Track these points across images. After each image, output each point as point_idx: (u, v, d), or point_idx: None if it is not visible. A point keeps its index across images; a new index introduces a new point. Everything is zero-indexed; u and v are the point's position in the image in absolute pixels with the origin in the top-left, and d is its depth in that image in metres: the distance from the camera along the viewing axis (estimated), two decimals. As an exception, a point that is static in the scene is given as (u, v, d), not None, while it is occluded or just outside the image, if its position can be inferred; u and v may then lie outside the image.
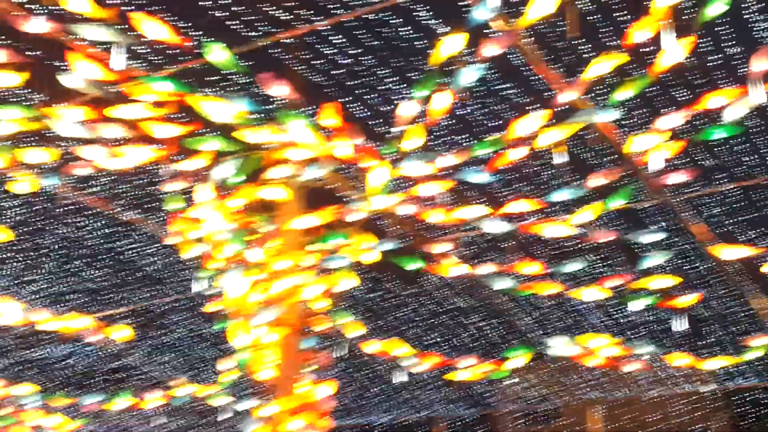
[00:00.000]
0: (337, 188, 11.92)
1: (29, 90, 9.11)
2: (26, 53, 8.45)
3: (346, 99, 10.73)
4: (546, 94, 9.99)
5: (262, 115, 9.27)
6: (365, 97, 10.85)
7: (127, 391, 19.28)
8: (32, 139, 9.90)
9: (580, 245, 13.57)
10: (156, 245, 14.69)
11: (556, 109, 8.67)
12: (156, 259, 15.19)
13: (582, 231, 10.56)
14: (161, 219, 13.52)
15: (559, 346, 12.81)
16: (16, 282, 16.03)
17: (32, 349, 20.85)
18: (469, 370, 15.65)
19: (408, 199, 10.22)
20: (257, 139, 9.24)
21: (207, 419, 27.21)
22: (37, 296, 16.38)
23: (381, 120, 10.94)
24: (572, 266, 11.65)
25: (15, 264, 15.27)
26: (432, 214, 10.53)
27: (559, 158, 9.13)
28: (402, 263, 11.86)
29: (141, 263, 15.45)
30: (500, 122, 10.81)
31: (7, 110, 8.82)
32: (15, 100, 9.43)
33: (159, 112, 8.78)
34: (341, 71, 10.48)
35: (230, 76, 10.02)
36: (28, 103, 8.98)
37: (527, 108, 9.73)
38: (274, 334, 12.72)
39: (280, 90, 8.64)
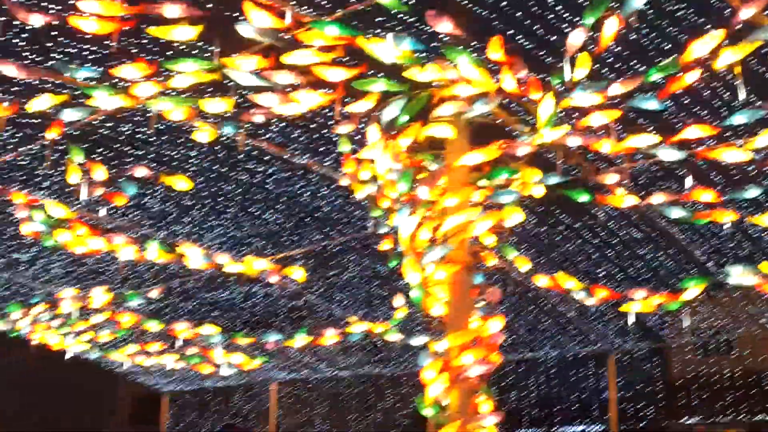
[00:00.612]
0: (504, 123, 11.85)
1: (204, 43, 9.43)
2: (199, 7, 8.73)
3: (513, 31, 10.60)
4: (724, 13, 9.53)
5: (429, 53, 9.30)
6: (532, 27, 10.69)
7: (305, 329, 20.05)
8: (209, 89, 10.29)
9: (759, 170, 13.00)
10: (330, 187, 15.08)
11: (734, 28, 8.29)
12: (330, 200, 15.59)
13: (762, 155, 10.16)
14: (334, 161, 13.85)
15: (739, 274, 12.38)
16: (199, 228, 16.85)
17: (216, 292, 21.92)
18: (642, 301, 15.39)
19: (577, 131, 10.06)
20: (425, 77, 9.28)
21: (381, 355, 27.97)
22: (219, 241, 17.17)
23: (549, 50, 10.76)
24: (752, 192, 11.24)
25: (198, 211, 16.04)
26: (602, 145, 10.33)
27: (738, 81, 8.75)
28: (572, 196, 11.73)
29: (315, 205, 15.92)
30: (673, 45, 10.44)
31: (184, 63, 9.21)
32: (191, 53, 9.79)
33: (328, 57, 8.95)
34: (507, 3, 10.35)
35: (397, 16, 10.09)
36: (204, 56, 9.32)
37: (703, 28, 9.31)
38: (445, 271, 12.90)
39: (446, 26, 8.64)
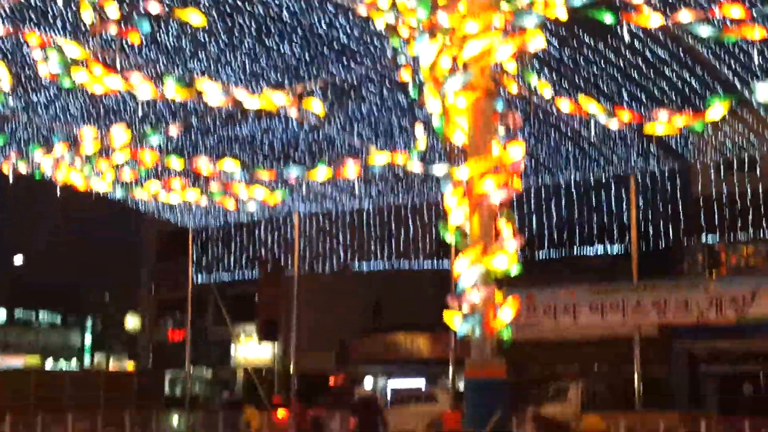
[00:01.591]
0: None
1: None
2: None
3: None
4: None
5: None
6: None
7: (325, 161, 20.06)
8: None
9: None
10: (347, 17, 14.71)
11: None
12: (347, 31, 15.24)
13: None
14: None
15: (766, 91, 12.13)
16: (216, 64, 16.62)
17: (235, 127, 21.89)
18: (667, 123, 15.20)
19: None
20: None
21: (404, 183, 28.16)
22: (236, 76, 16.95)
23: None
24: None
25: (213, 46, 15.77)
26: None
27: None
28: (596, 16, 11.40)
29: (333, 36, 15.57)
30: None
31: None
32: None
33: None
34: None
35: None
36: None
37: None
38: (466, 99, 12.75)
39: None
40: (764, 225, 30.68)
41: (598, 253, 35.06)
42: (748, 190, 30.44)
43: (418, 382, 39.19)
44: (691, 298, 25.23)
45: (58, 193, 20.94)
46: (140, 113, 18.85)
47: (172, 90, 14.26)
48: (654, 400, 31.13)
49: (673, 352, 32.82)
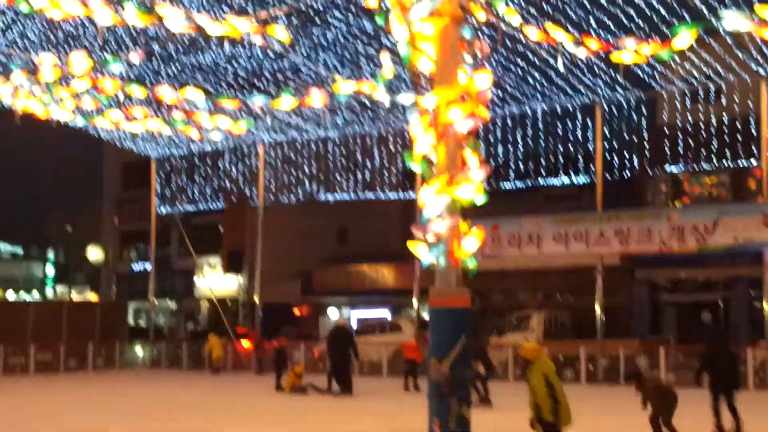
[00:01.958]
0: None
1: None
2: None
3: None
4: None
5: None
6: None
7: (291, 90, 19.83)
8: None
9: None
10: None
11: None
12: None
13: None
14: None
15: (734, 19, 12.05)
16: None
17: (198, 54, 21.51)
18: (634, 52, 15.14)
19: None
20: None
21: (370, 112, 27.96)
22: (198, 1, 16.56)
23: None
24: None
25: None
26: None
27: None
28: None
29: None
30: None
31: None
32: None
33: None
34: None
35: None
36: None
37: None
38: (433, 25, 12.56)
39: None
40: (727, 155, 30.94)
41: (563, 184, 35.24)
42: (713, 120, 30.60)
43: (383, 313, 39.50)
44: (654, 227, 25.51)
45: (18, 122, 20.52)
46: (100, 40, 18.42)
47: (133, 15, 13.90)
48: (615, 328, 31.65)
49: (634, 281, 33.28)
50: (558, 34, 14.55)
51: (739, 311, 31.63)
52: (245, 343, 32.58)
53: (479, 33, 15.23)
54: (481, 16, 13.74)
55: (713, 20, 14.30)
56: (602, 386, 24.60)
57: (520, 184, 35.44)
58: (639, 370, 13.53)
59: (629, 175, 33.34)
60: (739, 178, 31.65)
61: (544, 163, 34.43)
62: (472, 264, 14.79)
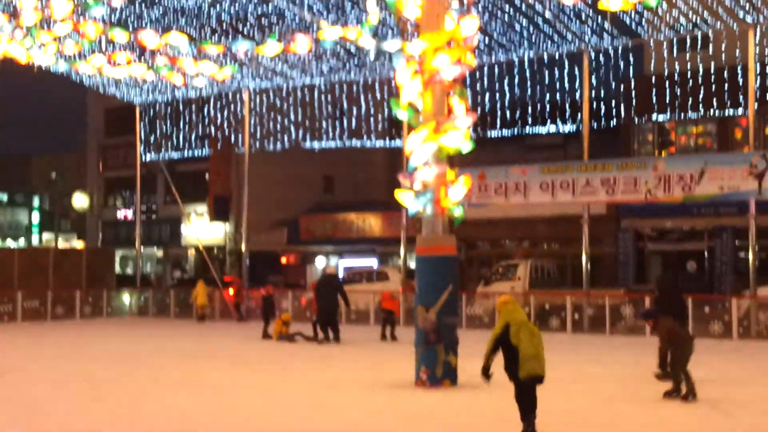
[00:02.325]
0: None
1: None
2: None
3: None
4: None
5: None
6: None
7: (275, 36, 19.56)
8: None
9: None
10: None
11: None
12: None
13: None
14: None
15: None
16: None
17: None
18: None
19: None
20: None
21: (356, 59, 27.64)
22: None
23: None
24: None
25: None
26: None
27: None
28: None
29: None
30: None
31: None
32: None
33: None
34: None
35: None
36: None
37: None
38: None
39: None
40: (714, 104, 30.83)
41: (550, 132, 35.13)
42: (700, 69, 30.43)
43: (371, 261, 39.57)
44: (640, 177, 25.45)
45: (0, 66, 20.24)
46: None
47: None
48: (601, 277, 31.82)
49: (620, 230, 33.38)
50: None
51: (723, 261, 31.82)
52: (232, 292, 32.63)
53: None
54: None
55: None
56: (587, 335, 24.76)
57: (506, 133, 35.33)
58: (654, 310, 13.51)
59: (616, 123, 33.25)
60: (726, 128, 31.61)
61: (530, 111, 34.28)
62: (458, 212, 14.77)
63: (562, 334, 25.04)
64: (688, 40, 30.36)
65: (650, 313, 13.69)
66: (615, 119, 33.03)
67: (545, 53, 27.52)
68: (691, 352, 12.38)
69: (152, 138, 40.99)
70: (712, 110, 31.00)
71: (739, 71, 28.73)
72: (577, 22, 24.02)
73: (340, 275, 34.21)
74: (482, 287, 29.40)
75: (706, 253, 32.68)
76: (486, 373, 9.71)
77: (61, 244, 58.59)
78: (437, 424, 10.91)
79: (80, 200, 51.43)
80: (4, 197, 68.42)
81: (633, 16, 24.20)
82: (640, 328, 24.48)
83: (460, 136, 14.44)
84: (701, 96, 30.77)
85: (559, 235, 34.10)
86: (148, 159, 39.65)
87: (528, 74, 29.49)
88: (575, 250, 28.97)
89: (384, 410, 11.47)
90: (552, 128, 34.66)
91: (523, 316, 10.00)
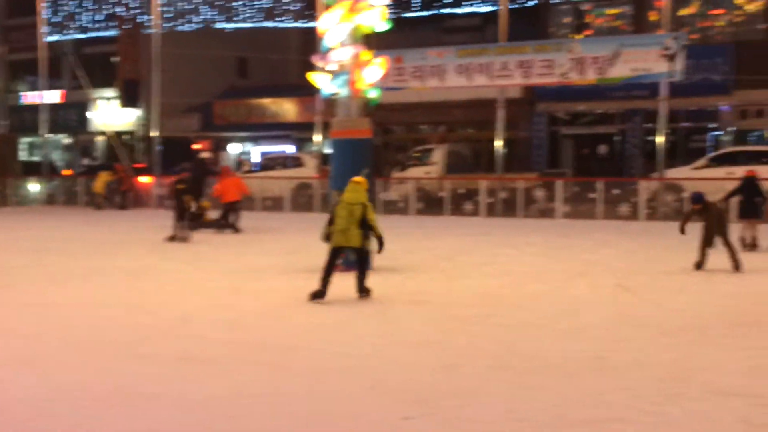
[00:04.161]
0: None
1: None
2: None
3: None
4: None
5: None
6: None
7: None
8: None
9: None
10: None
11: None
12: None
13: None
14: None
15: None
16: None
17: None
18: None
19: None
20: None
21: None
22: None
23: None
24: None
25: None
26: None
27: None
28: None
29: None
30: None
31: None
32: None
33: None
34: None
35: None
36: None
37: None
38: None
39: None
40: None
41: (468, 12, 34.72)
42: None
43: (287, 148, 39.07)
44: (556, 59, 25.42)
45: None
46: None
47: None
48: (516, 162, 32.09)
49: (535, 114, 33.56)
50: None
51: (634, 144, 32.36)
52: (142, 178, 32.02)
53: None
54: None
55: None
56: (501, 219, 25.09)
57: (423, 14, 34.82)
58: (703, 194, 13.84)
59: (533, 5, 32.98)
60: (642, 10, 31.64)
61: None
62: (374, 94, 14.51)
63: (476, 218, 25.36)
64: None
65: (699, 198, 13.78)
66: (533, 0, 32.75)
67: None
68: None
69: (57, 18, 39.18)
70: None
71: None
72: None
73: (257, 161, 33.84)
74: (398, 172, 29.40)
75: (617, 137, 33.17)
76: (326, 239, 11.45)
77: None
78: (354, 306, 10.89)
79: (-18, 84, 49.28)
80: None
81: None
82: (552, 210, 24.93)
83: (376, 16, 14.06)
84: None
85: (475, 120, 34.14)
86: (52, 40, 38.00)
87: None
88: (490, 134, 29.06)
89: (302, 293, 11.39)
90: (469, 9, 34.24)
91: (354, 196, 11.35)
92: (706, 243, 13.71)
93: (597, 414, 6.28)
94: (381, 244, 11.28)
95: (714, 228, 13.61)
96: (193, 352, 8.27)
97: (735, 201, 17.05)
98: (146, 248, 17.71)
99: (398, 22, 32.00)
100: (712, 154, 26.43)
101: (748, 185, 16.59)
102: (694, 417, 6.20)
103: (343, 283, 11.51)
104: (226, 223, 21.39)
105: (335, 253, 11.34)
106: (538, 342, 8.71)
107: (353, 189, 11.41)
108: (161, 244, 18.56)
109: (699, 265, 13.66)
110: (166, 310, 10.60)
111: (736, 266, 13.55)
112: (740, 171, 18.71)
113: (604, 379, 7.20)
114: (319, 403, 6.60)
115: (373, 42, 14.83)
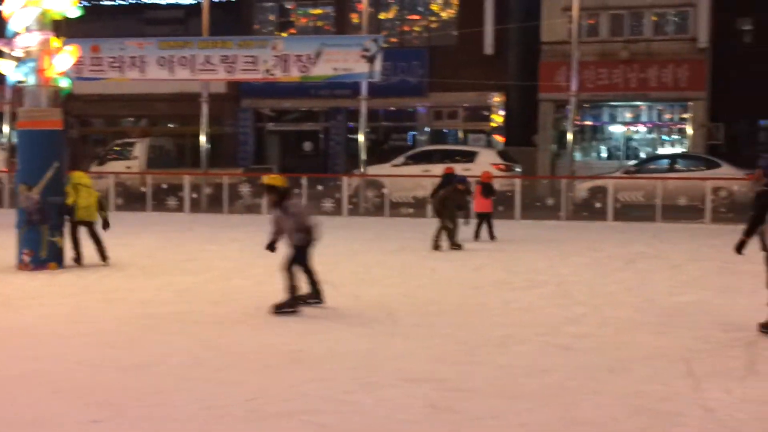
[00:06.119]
0: None
1: None
2: None
3: None
4: None
5: None
6: None
7: None
8: None
9: None
10: None
11: None
12: None
13: None
14: None
15: None
16: None
17: None
18: None
19: None
20: None
21: None
22: None
23: None
24: None
25: None
26: None
27: None
28: None
29: None
30: None
31: None
32: None
33: None
34: None
35: None
36: None
37: None
38: None
39: None
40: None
41: (170, 3, 33.96)
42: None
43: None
44: (260, 55, 25.43)
45: None
46: None
47: None
48: (221, 157, 31.82)
49: (240, 110, 33.49)
50: None
51: (337, 141, 33.20)
52: None
53: None
54: None
55: None
56: (205, 215, 24.75)
57: (124, 3, 33.64)
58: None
59: (237, 1, 32.87)
60: (344, 12, 32.49)
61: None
62: (66, 83, 13.73)
63: (180, 214, 24.85)
64: None
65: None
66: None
67: None
68: None
69: None
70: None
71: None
72: None
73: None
74: (96, 166, 28.17)
75: (321, 134, 33.87)
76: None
77: None
78: (46, 306, 10.23)
79: None
80: None
81: None
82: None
83: (66, 1, 13.31)
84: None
85: (179, 114, 33.50)
86: None
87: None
88: (195, 129, 28.59)
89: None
90: (172, 0, 33.50)
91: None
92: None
93: (292, 406, 6.28)
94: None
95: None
96: None
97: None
98: None
99: (96, 10, 30.65)
100: (410, 153, 27.69)
101: (448, 180, 17.43)
102: (385, 404, 6.36)
103: (32, 283, 10.79)
104: None
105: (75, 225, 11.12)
106: (236, 336, 8.63)
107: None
108: None
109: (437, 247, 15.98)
110: None
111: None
112: (436, 168, 19.66)
113: (300, 372, 7.24)
114: (-4, 412, 6.09)
115: (68, 29, 14.06)
